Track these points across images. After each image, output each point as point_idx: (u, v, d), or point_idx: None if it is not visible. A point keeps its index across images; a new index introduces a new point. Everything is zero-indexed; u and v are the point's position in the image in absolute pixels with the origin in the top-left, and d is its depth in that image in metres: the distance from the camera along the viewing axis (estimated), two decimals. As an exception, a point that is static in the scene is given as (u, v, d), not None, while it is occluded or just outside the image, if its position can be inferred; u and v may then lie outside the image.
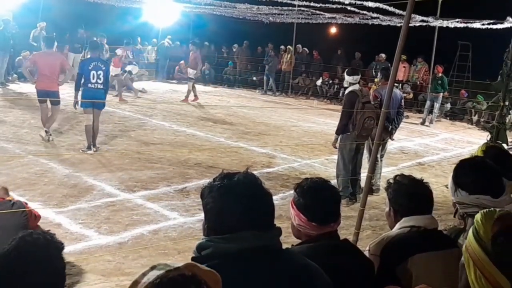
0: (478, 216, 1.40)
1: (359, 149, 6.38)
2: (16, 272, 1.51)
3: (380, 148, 6.89)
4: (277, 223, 1.57)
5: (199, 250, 1.50)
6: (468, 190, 2.17)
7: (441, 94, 13.78)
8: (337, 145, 6.40)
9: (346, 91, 6.52)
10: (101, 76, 7.55)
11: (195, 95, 13.57)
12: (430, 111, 13.94)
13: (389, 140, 7.27)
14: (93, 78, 7.49)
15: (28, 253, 1.55)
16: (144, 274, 1.12)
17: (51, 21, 14.88)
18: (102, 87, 7.63)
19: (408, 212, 2.25)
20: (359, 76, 6.56)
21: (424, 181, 2.34)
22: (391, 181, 2.35)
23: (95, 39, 12.30)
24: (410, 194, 2.26)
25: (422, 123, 13.82)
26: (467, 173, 2.21)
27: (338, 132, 6.32)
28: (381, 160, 6.95)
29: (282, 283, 1.49)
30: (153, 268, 1.13)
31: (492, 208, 1.41)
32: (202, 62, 14.93)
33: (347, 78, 6.41)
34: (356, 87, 6.30)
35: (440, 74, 13.71)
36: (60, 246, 1.64)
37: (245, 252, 1.45)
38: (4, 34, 13.13)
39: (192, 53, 13.61)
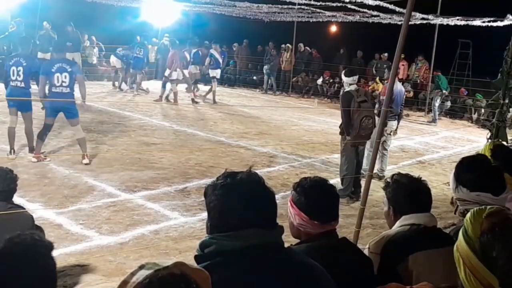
0: (468, 215, 1.41)
1: (358, 149, 6.40)
2: (4, 274, 1.51)
3: (384, 143, 7.21)
4: (278, 222, 1.58)
5: (202, 248, 1.50)
6: (469, 187, 2.18)
7: (439, 92, 13.79)
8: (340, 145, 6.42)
9: (342, 92, 6.59)
10: (67, 79, 6.81)
11: (161, 96, 13.33)
12: (431, 110, 13.95)
13: (392, 134, 7.49)
14: (57, 82, 6.76)
15: (15, 254, 1.55)
16: (133, 274, 1.11)
17: (49, 20, 14.86)
18: (68, 90, 6.87)
19: (408, 211, 2.25)
20: (357, 77, 6.61)
21: (422, 179, 2.35)
22: (389, 180, 2.36)
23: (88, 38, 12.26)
24: (410, 192, 2.27)
25: (433, 121, 13.80)
26: (469, 170, 2.23)
27: (348, 132, 6.25)
28: (385, 152, 7.41)
29: (285, 281, 1.49)
30: (141, 267, 1.12)
31: (483, 206, 1.42)
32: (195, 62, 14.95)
33: (345, 80, 6.44)
34: (353, 87, 6.32)
35: (437, 74, 13.87)
36: (49, 245, 1.63)
37: (248, 250, 1.45)
38: (17, 34, 13.11)
39: (170, 52, 13.49)
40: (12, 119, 7.10)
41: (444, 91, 13.98)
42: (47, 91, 7.22)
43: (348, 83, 6.37)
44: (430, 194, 2.32)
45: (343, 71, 6.71)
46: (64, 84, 6.78)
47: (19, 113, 7.17)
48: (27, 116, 7.13)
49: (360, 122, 6.04)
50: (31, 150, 7.08)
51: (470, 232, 1.36)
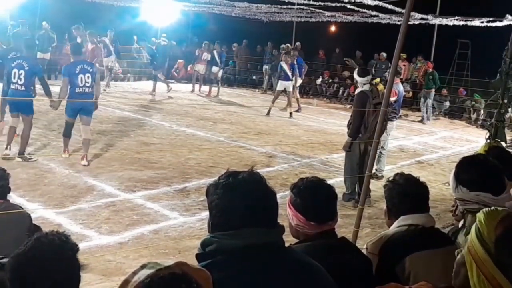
0: (481, 217, 1.37)
1: (367, 151, 6.24)
2: (32, 273, 1.53)
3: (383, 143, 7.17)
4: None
5: (203, 246, 1.51)
6: (469, 187, 2.17)
7: (433, 90, 13.84)
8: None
9: (356, 91, 6.41)
10: (89, 79, 6.94)
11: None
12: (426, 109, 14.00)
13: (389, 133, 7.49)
14: (81, 82, 6.87)
15: (44, 253, 1.56)
16: (134, 273, 1.12)
17: (49, 20, 14.87)
18: (91, 90, 7.00)
19: (403, 212, 2.27)
20: (370, 76, 6.48)
21: (421, 180, 2.35)
22: (390, 179, 2.38)
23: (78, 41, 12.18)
24: (402, 193, 2.29)
25: (421, 120, 13.87)
26: (469, 170, 2.22)
27: (351, 134, 6.11)
28: (383, 152, 7.42)
29: (285, 281, 1.50)
30: (143, 267, 1.14)
31: (494, 208, 1.39)
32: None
33: (359, 80, 6.26)
34: (367, 87, 6.18)
35: (430, 70, 13.83)
36: (75, 248, 1.65)
37: (249, 249, 1.46)
38: (21, 35, 13.08)
39: (90, 45, 13.05)
40: (13, 120, 7.16)
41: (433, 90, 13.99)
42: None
43: (362, 83, 6.20)
44: (427, 195, 2.33)
45: (356, 70, 6.48)
46: (87, 85, 6.93)
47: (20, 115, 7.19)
48: (27, 119, 7.09)
49: (376, 125, 5.84)
50: (21, 153, 6.98)
51: (486, 234, 1.32)
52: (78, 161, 7.01)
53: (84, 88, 6.91)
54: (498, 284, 1.27)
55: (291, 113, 12.66)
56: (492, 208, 1.40)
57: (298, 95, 13.69)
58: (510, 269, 1.26)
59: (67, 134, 7.20)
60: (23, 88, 6.92)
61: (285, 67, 12.78)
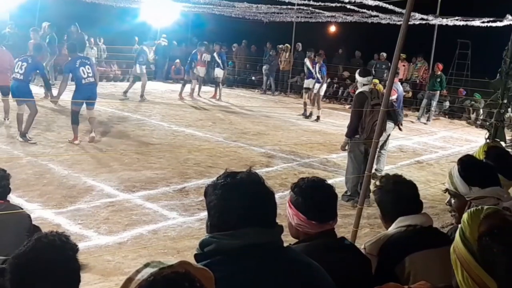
0: (464, 216, 1.39)
1: (368, 152, 6.22)
2: (33, 273, 1.53)
3: (383, 143, 7.13)
4: (277, 221, 1.59)
5: (202, 246, 1.51)
6: (480, 184, 2.22)
7: (438, 92, 13.83)
8: (347, 147, 6.24)
9: (356, 92, 6.37)
10: (90, 70, 7.85)
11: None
12: (428, 109, 13.98)
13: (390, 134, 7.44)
14: (84, 74, 7.76)
15: (45, 254, 1.56)
16: (137, 272, 1.13)
17: (48, 21, 14.85)
18: (94, 80, 7.94)
19: (394, 216, 2.28)
20: (372, 77, 6.44)
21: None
22: (378, 183, 2.39)
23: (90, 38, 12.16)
24: (393, 200, 2.31)
25: (418, 119, 13.88)
26: (474, 169, 2.28)
27: (348, 134, 6.12)
28: (383, 152, 7.31)
29: (284, 281, 1.50)
30: (146, 265, 1.14)
31: (479, 207, 1.41)
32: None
33: (359, 80, 6.22)
34: (367, 88, 6.14)
35: (439, 72, 13.77)
36: (75, 248, 1.65)
37: (248, 249, 1.46)
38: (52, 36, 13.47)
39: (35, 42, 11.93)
40: (19, 108, 7.96)
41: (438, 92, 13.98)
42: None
43: (362, 83, 6.16)
44: (417, 193, 2.35)
45: (357, 71, 6.43)
46: (90, 75, 7.82)
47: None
48: (31, 106, 7.92)
49: (372, 126, 5.75)
50: (23, 134, 7.80)
51: (468, 234, 1.33)
52: (77, 161, 7.01)
53: (88, 78, 7.78)
54: (482, 282, 1.28)
55: (318, 117, 12.51)
56: (478, 207, 1.41)
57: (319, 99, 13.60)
58: (494, 266, 1.26)
59: (75, 122, 7.96)
60: (22, 77, 7.79)
61: (309, 65, 12.66)
